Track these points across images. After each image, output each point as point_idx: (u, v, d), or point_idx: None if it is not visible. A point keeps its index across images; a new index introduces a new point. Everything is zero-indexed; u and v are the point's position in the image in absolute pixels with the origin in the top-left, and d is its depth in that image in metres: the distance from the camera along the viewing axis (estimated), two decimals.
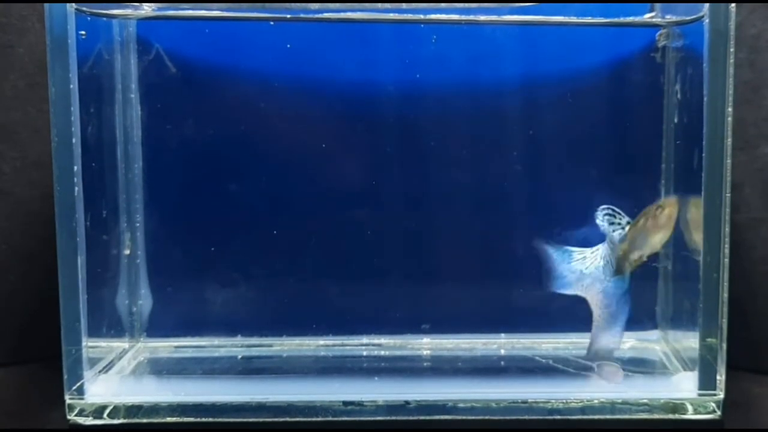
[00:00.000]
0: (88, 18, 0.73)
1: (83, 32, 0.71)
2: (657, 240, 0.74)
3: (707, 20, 0.68)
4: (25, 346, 0.87)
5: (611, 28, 0.80)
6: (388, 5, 0.75)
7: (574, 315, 0.85)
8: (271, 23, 0.79)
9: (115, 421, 0.71)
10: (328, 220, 0.83)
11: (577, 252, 0.77)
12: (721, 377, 0.71)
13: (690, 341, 0.74)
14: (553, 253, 0.77)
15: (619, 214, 0.75)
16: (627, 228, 0.74)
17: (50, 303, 0.72)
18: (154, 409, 0.71)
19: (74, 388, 0.71)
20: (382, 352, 0.84)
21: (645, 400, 0.72)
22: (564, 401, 0.71)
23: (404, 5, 0.75)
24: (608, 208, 0.75)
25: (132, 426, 0.70)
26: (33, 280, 0.86)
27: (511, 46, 0.80)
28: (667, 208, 0.73)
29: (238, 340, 0.84)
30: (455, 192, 0.83)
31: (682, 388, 0.73)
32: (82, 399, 0.71)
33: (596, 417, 0.71)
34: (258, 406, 0.71)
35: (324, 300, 0.84)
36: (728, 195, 0.69)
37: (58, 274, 0.69)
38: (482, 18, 0.77)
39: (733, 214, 0.74)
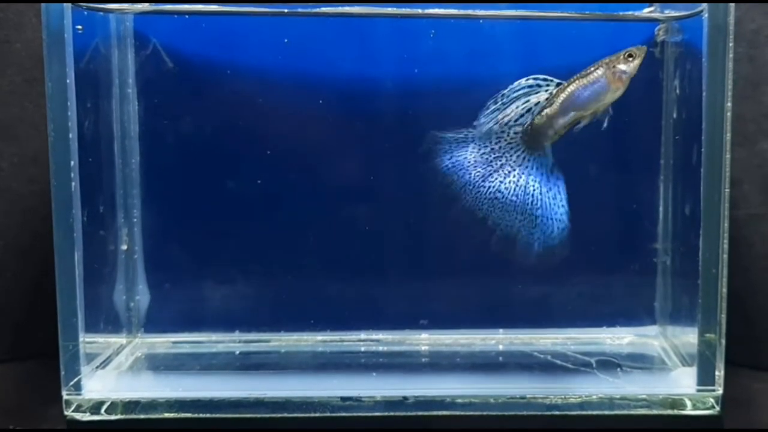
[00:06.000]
0: (85, 12, 0.73)
1: (80, 27, 0.70)
2: (610, 98, 0.67)
3: (706, 15, 0.68)
4: (22, 342, 0.87)
5: (610, 22, 0.79)
6: None
7: (573, 310, 0.85)
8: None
9: (113, 417, 0.70)
10: (325, 215, 0.83)
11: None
12: (719, 373, 0.71)
13: (689, 337, 0.74)
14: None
15: (547, 79, 0.68)
16: (561, 86, 0.67)
17: (47, 298, 0.71)
18: (152, 404, 0.71)
19: (71, 383, 0.70)
20: (381, 348, 0.84)
21: (644, 396, 0.71)
22: (562, 397, 0.71)
23: None
24: (531, 78, 0.68)
25: (130, 422, 0.70)
26: (30, 276, 0.86)
27: (509, 40, 0.80)
28: (638, 58, 0.67)
29: (236, 335, 0.84)
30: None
31: (680, 383, 0.73)
32: (80, 395, 0.70)
33: (595, 413, 0.71)
34: (256, 401, 0.71)
35: (322, 295, 0.84)
36: (727, 191, 0.69)
37: (55, 269, 0.69)
38: (480, 12, 0.77)
39: (732, 210, 0.74)
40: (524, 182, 0.71)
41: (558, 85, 0.69)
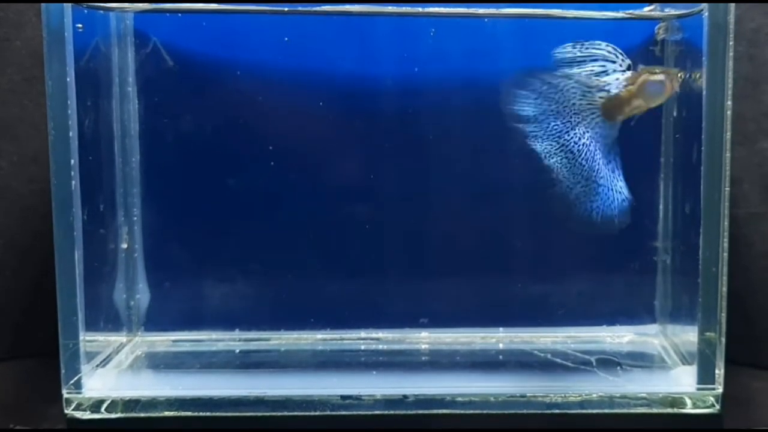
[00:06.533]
0: (85, 11, 0.73)
1: (80, 25, 0.70)
2: (664, 99, 0.71)
3: (706, 14, 0.68)
4: (22, 341, 0.87)
5: (610, 21, 0.79)
6: None
7: (573, 309, 0.85)
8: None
9: (113, 416, 0.70)
10: (325, 213, 0.83)
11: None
12: (719, 371, 0.71)
13: (689, 335, 0.74)
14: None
15: (623, 54, 0.70)
16: (635, 72, 0.70)
17: (47, 298, 0.71)
18: (152, 403, 0.71)
19: (72, 382, 0.70)
20: (381, 346, 0.84)
21: (644, 395, 0.71)
22: (563, 395, 0.71)
23: None
24: (612, 46, 0.69)
25: (130, 420, 0.70)
26: (30, 275, 0.86)
27: (509, 39, 0.80)
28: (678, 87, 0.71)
29: (236, 334, 0.84)
30: (454, 186, 0.83)
31: (680, 382, 0.73)
32: (80, 393, 0.70)
33: (595, 411, 0.71)
34: (256, 400, 0.71)
35: (322, 294, 0.84)
36: (727, 189, 0.69)
37: (56, 268, 0.69)
38: (481, 11, 0.77)
39: (732, 209, 0.74)
40: (593, 148, 0.72)
41: (629, 66, 0.70)
